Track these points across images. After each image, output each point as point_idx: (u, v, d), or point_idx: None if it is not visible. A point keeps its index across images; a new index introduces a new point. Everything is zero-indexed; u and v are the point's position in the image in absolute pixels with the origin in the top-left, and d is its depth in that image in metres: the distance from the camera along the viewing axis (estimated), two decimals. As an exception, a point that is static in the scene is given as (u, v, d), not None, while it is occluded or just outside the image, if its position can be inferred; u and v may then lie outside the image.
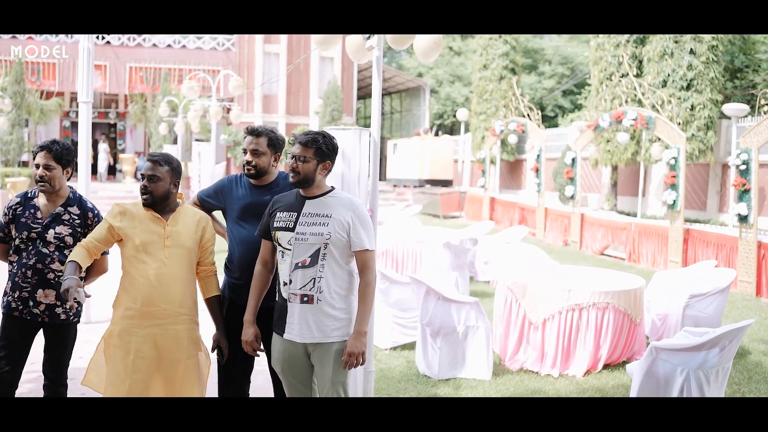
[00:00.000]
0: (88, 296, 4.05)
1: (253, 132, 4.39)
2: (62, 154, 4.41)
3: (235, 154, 30.41)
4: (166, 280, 4.04)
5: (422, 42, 5.19)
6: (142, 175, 4.10)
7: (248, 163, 4.36)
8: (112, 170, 33.37)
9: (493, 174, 25.01)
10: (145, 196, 4.09)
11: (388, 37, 5.01)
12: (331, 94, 31.39)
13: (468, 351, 6.82)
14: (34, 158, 4.41)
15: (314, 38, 5.25)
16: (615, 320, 7.09)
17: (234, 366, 4.38)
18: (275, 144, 4.41)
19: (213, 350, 4.28)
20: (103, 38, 31.62)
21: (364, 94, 39.82)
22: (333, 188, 4.03)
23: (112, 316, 4.14)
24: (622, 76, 18.90)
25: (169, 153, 4.24)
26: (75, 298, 3.82)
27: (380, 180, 33.10)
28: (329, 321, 3.86)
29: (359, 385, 5.02)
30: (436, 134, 35.80)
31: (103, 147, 32.16)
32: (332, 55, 33.97)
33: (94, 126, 33.26)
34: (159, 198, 4.09)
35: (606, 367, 7.12)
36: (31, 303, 4.35)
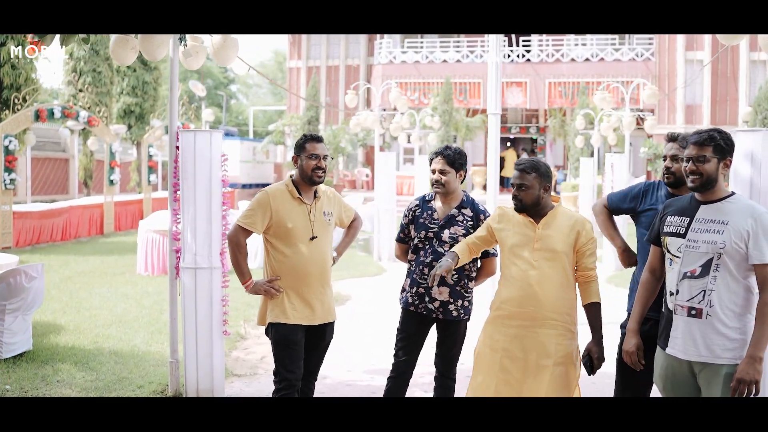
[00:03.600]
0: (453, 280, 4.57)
1: (674, 138, 4.16)
2: (455, 158, 4.67)
3: (656, 168, 29.36)
4: (534, 283, 4.05)
5: None
6: (511, 183, 4.20)
7: (667, 169, 4.14)
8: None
9: None
10: (515, 203, 4.19)
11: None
12: (763, 101, 28.62)
13: None
14: (430, 164, 4.72)
15: (719, 37, 4.80)
16: None
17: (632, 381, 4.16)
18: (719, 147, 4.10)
19: (582, 359, 4.13)
20: (523, 56, 32.88)
21: (804, 99, 35.72)
22: (733, 193, 3.66)
23: (489, 311, 4.29)
24: None
25: (536, 159, 4.27)
26: (443, 276, 4.29)
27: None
28: (719, 339, 3.49)
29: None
30: None
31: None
32: (764, 58, 31.13)
33: (516, 140, 34.79)
34: (529, 205, 4.16)
35: None
36: (427, 299, 4.64)
